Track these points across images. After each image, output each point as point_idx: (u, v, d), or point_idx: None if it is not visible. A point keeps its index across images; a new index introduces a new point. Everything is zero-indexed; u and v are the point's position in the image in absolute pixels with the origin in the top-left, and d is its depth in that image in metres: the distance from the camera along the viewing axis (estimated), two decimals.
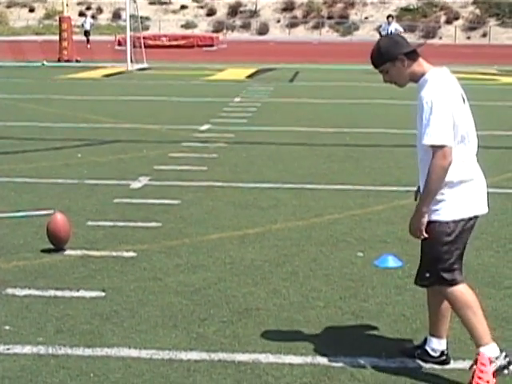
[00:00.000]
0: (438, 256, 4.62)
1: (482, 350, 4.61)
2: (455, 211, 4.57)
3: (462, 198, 4.57)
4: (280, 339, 5.32)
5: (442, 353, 4.97)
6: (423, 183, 4.58)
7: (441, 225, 4.59)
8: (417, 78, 4.63)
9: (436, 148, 4.43)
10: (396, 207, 9.03)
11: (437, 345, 4.96)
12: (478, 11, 75.53)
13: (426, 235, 4.63)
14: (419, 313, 5.78)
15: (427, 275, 4.71)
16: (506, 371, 4.62)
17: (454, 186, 4.54)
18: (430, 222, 4.62)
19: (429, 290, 4.93)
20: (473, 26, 73.84)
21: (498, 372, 4.60)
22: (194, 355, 5.05)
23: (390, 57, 4.60)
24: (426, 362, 4.98)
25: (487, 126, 14.50)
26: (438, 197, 4.56)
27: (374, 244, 7.57)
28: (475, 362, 4.63)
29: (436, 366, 4.90)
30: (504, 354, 4.63)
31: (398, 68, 4.62)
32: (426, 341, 5.03)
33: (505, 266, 6.90)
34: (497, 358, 4.60)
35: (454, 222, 4.58)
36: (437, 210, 4.60)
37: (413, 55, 4.61)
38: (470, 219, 4.62)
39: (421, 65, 4.63)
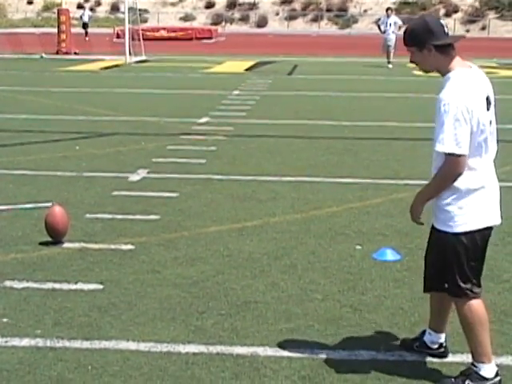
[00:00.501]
0: (453, 267, 4.54)
1: (482, 365, 4.57)
2: (465, 223, 4.43)
3: (472, 208, 4.42)
4: (278, 332, 5.33)
5: (441, 345, 4.97)
6: None
7: (451, 236, 4.49)
8: (442, 71, 4.45)
9: (449, 156, 4.29)
10: (394, 200, 9.03)
11: (436, 338, 4.96)
12: (477, 4, 75.59)
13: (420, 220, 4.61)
14: (417, 306, 5.81)
15: (446, 286, 4.65)
16: None
17: (463, 195, 4.40)
18: (441, 233, 4.54)
19: None
20: (472, 19, 73.93)
21: None
22: (192, 348, 5.07)
23: (417, 42, 4.43)
24: (424, 354, 4.98)
25: None
26: (447, 207, 4.45)
27: (372, 237, 7.58)
28: (469, 371, 4.61)
29: (434, 360, 4.91)
30: (499, 378, 4.59)
31: (423, 55, 4.44)
32: (424, 333, 5.03)
33: (504, 259, 6.92)
34: (492, 379, 4.56)
35: (464, 233, 4.45)
36: (447, 221, 4.49)
37: (444, 48, 4.41)
38: (481, 230, 4.48)
39: (450, 60, 4.42)
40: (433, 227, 4.64)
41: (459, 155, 4.26)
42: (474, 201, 4.42)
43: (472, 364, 4.62)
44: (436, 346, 4.98)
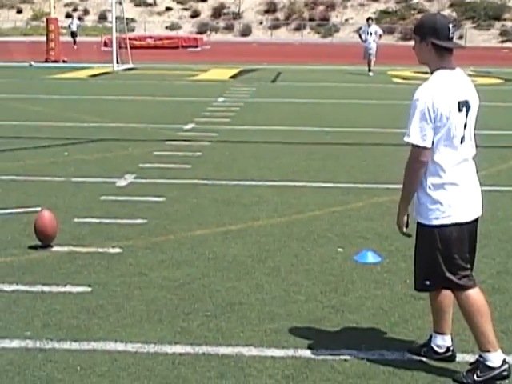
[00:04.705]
0: (430, 261, 4.66)
1: (487, 355, 4.65)
2: (436, 216, 4.60)
3: (445, 204, 4.58)
4: (262, 333, 5.39)
5: (448, 349, 4.98)
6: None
7: (424, 228, 4.66)
8: (430, 68, 4.66)
9: (413, 147, 4.54)
10: (375, 204, 9.10)
11: (441, 341, 4.96)
12: (454, 14, 75.92)
13: (406, 232, 4.72)
14: (397, 307, 5.90)
15: (427, 283, 4.75)
16: (502, 382, 4.68)
17: (436, 190, 4.58)
18: (419, 225, 4.71)
19: None
20: None
21: (494, 380, 4.66)
22: (178, 349, 5.12)
23: (420, 33, 4.63)
24: (432, 359, 4.98)
25: None
26: (422, 200, 4.63)
27: (353, 240, 7.65)
28: (477, 364, 4.69)
29: (414, 357, 4.98)
30: (507, 365, 4.66)
31: (421, 46, 4.63)
32: (431, 338, 5.03)
33: (480, 260, 6.83)
34: (498, 368, 4.64)
35: (435, 226, 4.61)
36: (420, 213, 4.67)
37: (440, 48, 4.58)
38: (453, 225, 4.60)
39: (441, 61, 4.60)
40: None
41: (423, 147, 4.51)
42: (447, 197, 4.57)
43: (479, 355, 4.70)
44: (443, 350, 4.97)
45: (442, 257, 4.63)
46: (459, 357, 5.01)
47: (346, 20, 79.73)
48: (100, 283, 6.36)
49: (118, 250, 7.27)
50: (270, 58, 40.41)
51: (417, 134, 4.52)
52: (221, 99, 20.82)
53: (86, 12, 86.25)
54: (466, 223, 4.66)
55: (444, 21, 4.64)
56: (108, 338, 5.28)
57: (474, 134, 4.75)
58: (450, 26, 4.60)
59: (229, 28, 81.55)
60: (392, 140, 13.05)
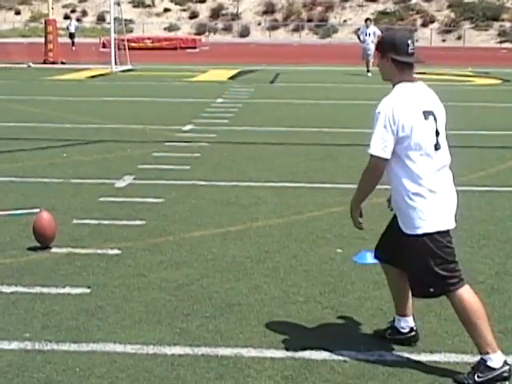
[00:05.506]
0: (426, 268, 4.69)
1: (488, 356, 4.67)
2: (419, 225, 4.66)
3: (425, 211, 4.64)
4: (261, 334, 5.40)
5: (411, 329, 5.20)
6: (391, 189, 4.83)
7: (410, 238, 4.73)
8: (392, 83, 4.82)
9: (372, 158, 4.69)
10: (374, 205, 8.97)
11: (404, 323, 5.18)
12: (452, 15, 76.03)
13: (360, 224, 5.04)
14: None
15: (431, 290, 4.79)
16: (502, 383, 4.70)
17: (415, 199, 4.65)
18: (404, 235, 4.77)
19: (387, 273, 5.17)
20: (448, 29, 74.43)
21: (494, 381, 4.67)
22: (177, 350, 5.12)
23: (381, 50, 4.78)
24: (397, 340, 5.18)
25: (461, 126, 14.68)
26: (403, 210, 4.73)
27: (352, 240, 7.65)
28: (479, 365, 4.70)
29: (412, 357, 4.99)
30: (507, 367, 4.69)
31: (382, 62, 4.79)
32: (394, 321, 5.24)
33: (479, 261, 7.00)
34: (499, 368, 4.66)
35: (420, 235, 4.68)
36: (404, 224, 4.75)
37: (400, 64, 4.71)
38: (435, 234, 4.66)
39: (402, 75, 4.74)
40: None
41: (383, 158, 4.66)
42: (427, 205, 4.65)
43: (480, 358, 4.73)
44: (407, 330, 5.19)
45: (435, 261, 4.68)
46: (458, 357, 5.04)
47: (345, 21, 79.81)
48: (99, 284, 6.36)
49: (116, 251, 7.27)
50: (268, 59, 40.44)
51: (378, 145, 4.65)
52: (219, 100, 20.84)
53: (84, 13, 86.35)
54: (448, 230, 4.74)
55: (403, 37, 4.77)
56: (107, 339, 5.28)
57: (448, 144, 4.81)
58: (409, 41, 4.73)
59: (227, 29, 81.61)
60: None
